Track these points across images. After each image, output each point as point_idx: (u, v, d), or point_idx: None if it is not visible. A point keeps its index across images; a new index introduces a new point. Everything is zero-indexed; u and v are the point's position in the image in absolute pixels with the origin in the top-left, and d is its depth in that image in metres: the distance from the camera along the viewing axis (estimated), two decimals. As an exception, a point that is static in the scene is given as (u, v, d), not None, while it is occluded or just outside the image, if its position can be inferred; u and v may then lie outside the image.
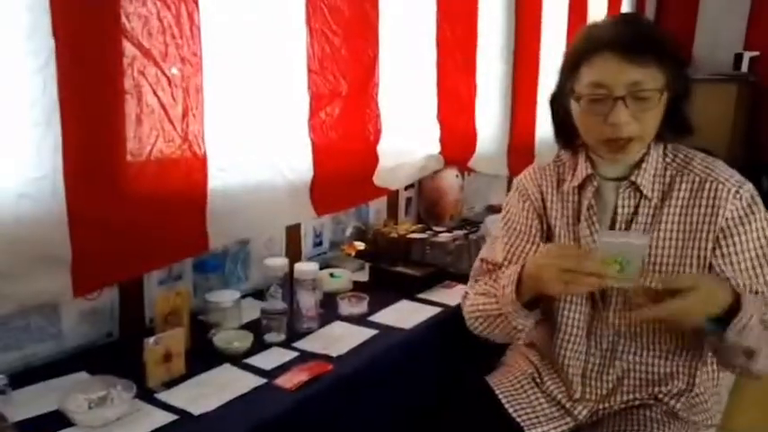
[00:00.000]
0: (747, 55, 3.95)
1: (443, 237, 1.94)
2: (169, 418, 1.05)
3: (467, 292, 1.32)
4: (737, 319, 1.00)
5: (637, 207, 1.16)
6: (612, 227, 1.18)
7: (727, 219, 1.10)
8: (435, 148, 2.22)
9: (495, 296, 1.19)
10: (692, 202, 1.13)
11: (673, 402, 1.18)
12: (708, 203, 1.12)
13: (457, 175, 2.33)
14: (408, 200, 2.32)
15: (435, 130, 2.21)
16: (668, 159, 1.17)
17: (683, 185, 1.14)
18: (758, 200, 1.13)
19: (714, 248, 1.12)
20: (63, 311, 1.27)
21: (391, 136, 1.95)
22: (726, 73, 3.87)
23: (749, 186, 1.13)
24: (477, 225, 2.26)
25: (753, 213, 1.11)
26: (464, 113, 2.38)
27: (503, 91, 2.65)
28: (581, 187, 1.21)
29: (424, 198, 2.31)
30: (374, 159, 1.93)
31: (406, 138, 2.07)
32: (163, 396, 1.12)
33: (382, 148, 1.93)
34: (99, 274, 1.24)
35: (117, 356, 1.27)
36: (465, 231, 2.08)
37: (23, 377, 1.16)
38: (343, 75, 1.72)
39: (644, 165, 1.15)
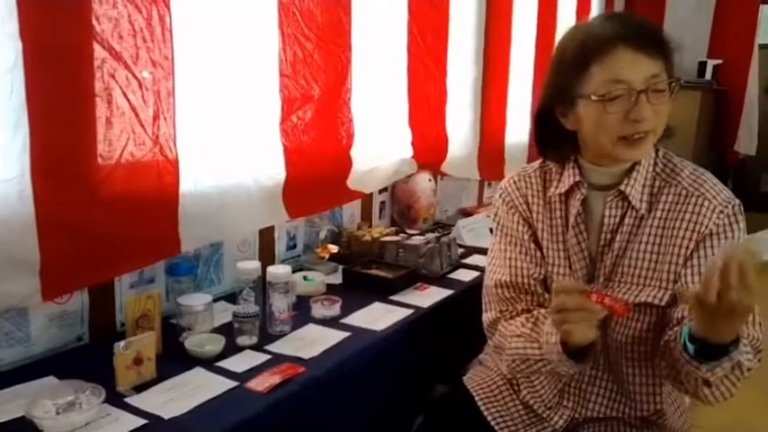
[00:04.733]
0: (711, 63, 4.07)
1: (416, 239, 1.96)
2: (139, 422, 1.04)
3: (496, 324, 1.20)
4: (736, 353, 0.93)
5: (623, 216, 1.12)
6: (599, 236, 1.14)
7: (705, 234, 1.07)
8: (408, 152, 2.25)
9: (539, 342, 1.09)
10: (674, 215, 1.10)
11: (645, 413, 1.19)
12: (690, 218, 1.08)
13: (430, 179, 2.35)
14: (382, 203, 2.33)
15: (407, 135, 2.23)
16: (658, 169, 1.13)
17: (669, 197, 1.11)
18: (741, 218, 1.09)
19: (686, 262, 1.08)
20: (31, 315, 1.25)
21: (364, 140, 1.97)
22: (690, 80, 3.98)
23: (735, 204, 1.09)
24: (449, 228, 2.29)
25: (731, 231, 1.07)
26: (435, 118, 2.40)
27: (473, 96, 2.68)
28: (567, 195, 1.17)
29: (398, 201, 2.33)
30: (347, 163, 1.94)
31: (380, 142, 2.09)
32: (133, 400, 1.11)
33: (356, 152, 1.95)
34: (69, 277, 1.23)
35: (87, 361, 1.26)
36: (437, 234, 2.10)
37: (-11, 383, 1.15)
38: (316, 79, 1.73)
39: (634, 174, 1.11)
